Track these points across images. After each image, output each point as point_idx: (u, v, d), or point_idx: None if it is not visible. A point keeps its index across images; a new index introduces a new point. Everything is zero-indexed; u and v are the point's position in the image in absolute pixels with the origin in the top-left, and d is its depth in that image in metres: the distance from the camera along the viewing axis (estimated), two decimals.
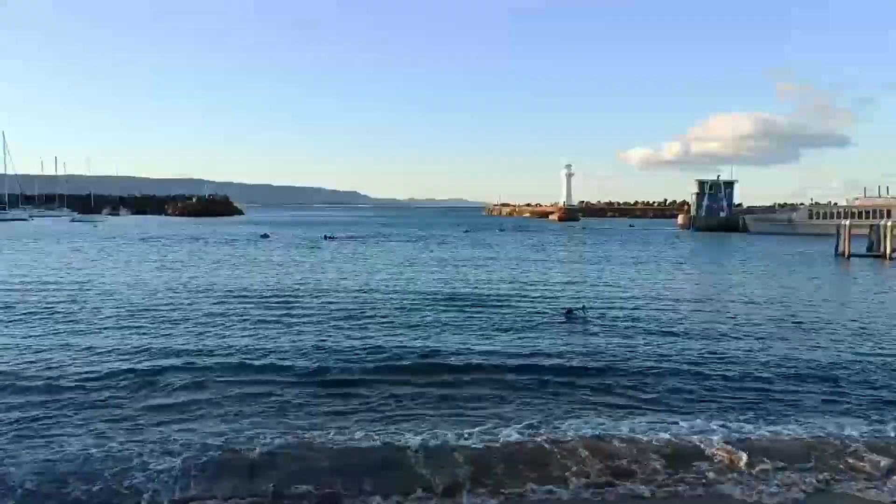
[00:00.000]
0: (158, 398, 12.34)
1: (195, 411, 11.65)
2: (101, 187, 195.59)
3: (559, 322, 20.04)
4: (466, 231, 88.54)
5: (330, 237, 68.47)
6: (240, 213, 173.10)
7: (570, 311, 21.13)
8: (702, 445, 10.33)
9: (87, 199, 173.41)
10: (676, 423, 11.39)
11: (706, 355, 16.16)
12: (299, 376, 13.80)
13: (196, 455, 9.64)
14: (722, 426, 11.25)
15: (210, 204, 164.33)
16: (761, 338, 18.28)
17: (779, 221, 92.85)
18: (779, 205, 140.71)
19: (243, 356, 15.42)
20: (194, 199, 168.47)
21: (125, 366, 14.52)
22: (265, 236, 72.47)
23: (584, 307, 21.38)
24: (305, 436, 10.46)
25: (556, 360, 15.36)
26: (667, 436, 10.70)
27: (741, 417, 11.79)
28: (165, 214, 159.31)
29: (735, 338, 18.33)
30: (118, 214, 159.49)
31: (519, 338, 17.87)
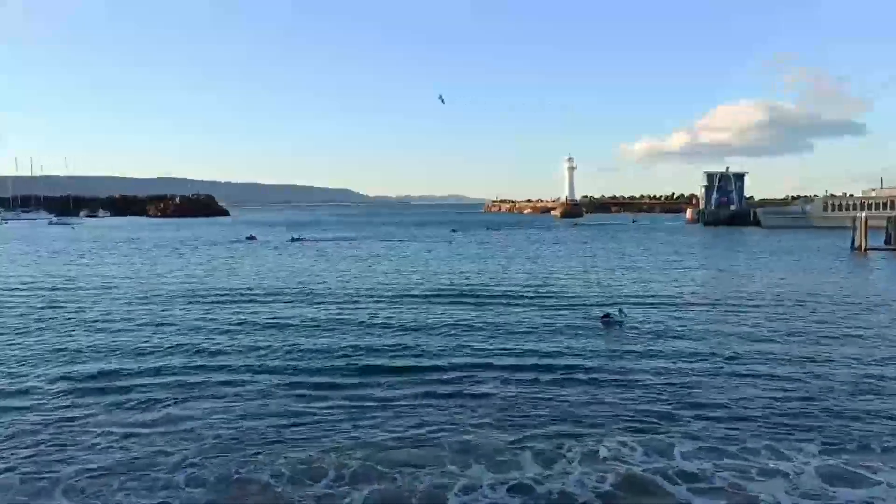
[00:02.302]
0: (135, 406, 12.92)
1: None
2: (80, 188, 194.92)
3: (595, 329, 19.96)
4: (454, 230, 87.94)
5: (297, 239, 67.69)
6: (225, 213, 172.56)
7: (607, 316, 20.80)
8: None
9: (66, 201, 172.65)
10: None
11: (769, 370, 15.45)
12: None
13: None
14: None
15: (194, 204, 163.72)
16: (818, 348, 17.60)
17: (792, 214, 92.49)
18: (792, 197, 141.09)
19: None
20: (177, 199, 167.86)
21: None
22: (251, 238, 71.92)
23: (621, 310, 21.08)
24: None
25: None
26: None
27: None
28: (147, 216, 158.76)
29: (784, 344, 17.89)
30: (97, 216, 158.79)
31: (556, 349, 17.58)
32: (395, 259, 45.29)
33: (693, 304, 25.01)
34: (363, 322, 21.17)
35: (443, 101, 73.20)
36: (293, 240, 67.58)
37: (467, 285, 30.27)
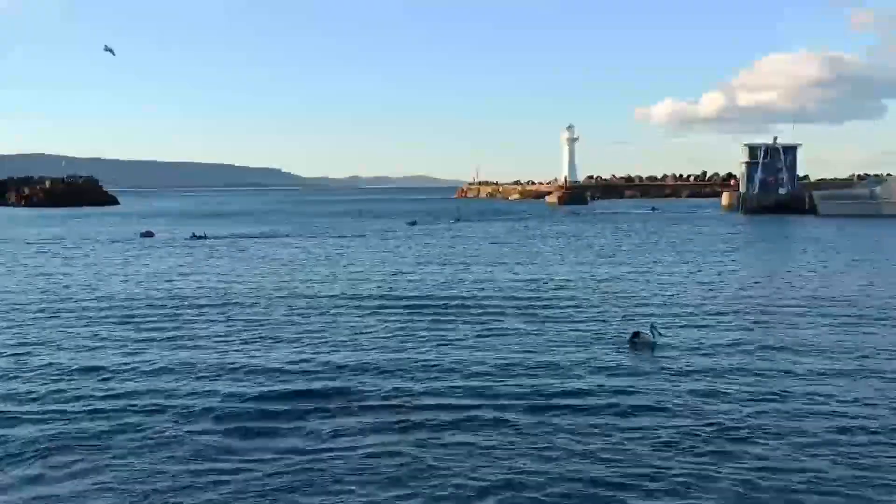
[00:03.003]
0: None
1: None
2: None
3: (623, 350, 20.62)
4: (412, 223, 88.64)
5: (199, 236, 67.76)
6: (114, 201, 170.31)
7: (637, 334, 21.49)
8: None
9: None
10: None
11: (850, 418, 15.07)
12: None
13: None
14: None
15: (71, 190, 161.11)
16: None
17: (858, 199, 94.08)
18: (858, 176, 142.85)
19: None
20: (47, 184, 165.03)
21: None
22: (147, 234, 71.58)
23: (653, 327, 21.69)
24: None
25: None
26: None
27: None
28: (7, 204, 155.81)
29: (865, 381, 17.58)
30: None
31: (566, 381, 17.72)
32: (326, 263, 45.33)
33: (737, 319, 25.25)
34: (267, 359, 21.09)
35: (111, 52, 72.78)
36: (194, 237, 67.72)
37: (430, 300, 30.22)
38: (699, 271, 39.30)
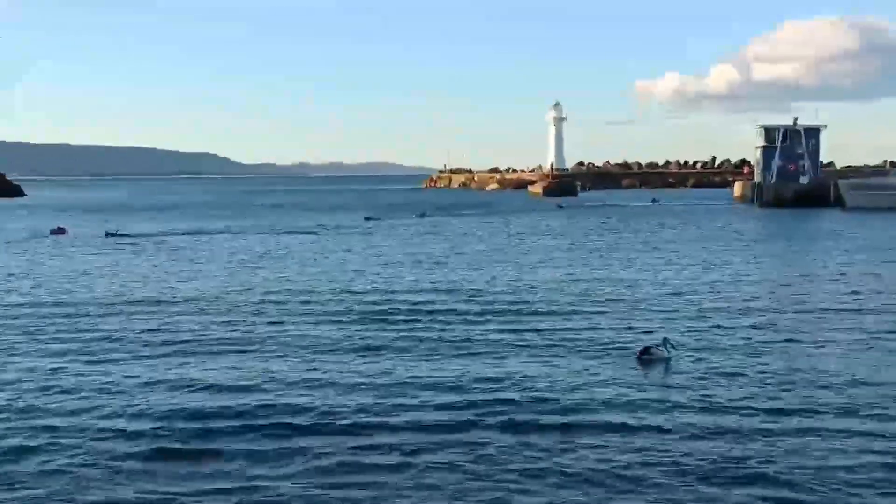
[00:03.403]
0: None
1: None
2: None
3: (629, 368, 20.72)
4: (369, 218, 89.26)
5: (112, 234, 68.07)
6: (17, 192, 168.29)
7: (646, 350, 21.64)
8: None
9: None
10: None
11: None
12: None
13: None
14: None
15: None
16: None
17: (890, 189, 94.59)
18: (891, 163, 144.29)
19: None
20: None
21: None
22: (59, 231, 71.27)
23: (666, 341, 21.86)
24: None
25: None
26: None
27: None
28: None
29: None
30: None
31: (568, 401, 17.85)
32: (269, 265, 45.73)
33: (758, 334, 25.35)
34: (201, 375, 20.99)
35: None
36: (108, 235, 67.89)
37: (390, 306, 30.46)
38: (708, 275, 39.53)
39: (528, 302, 31.41)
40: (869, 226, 69.71)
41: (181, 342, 24.19)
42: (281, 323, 27.22)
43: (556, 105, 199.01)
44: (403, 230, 74.29)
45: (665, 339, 21.97)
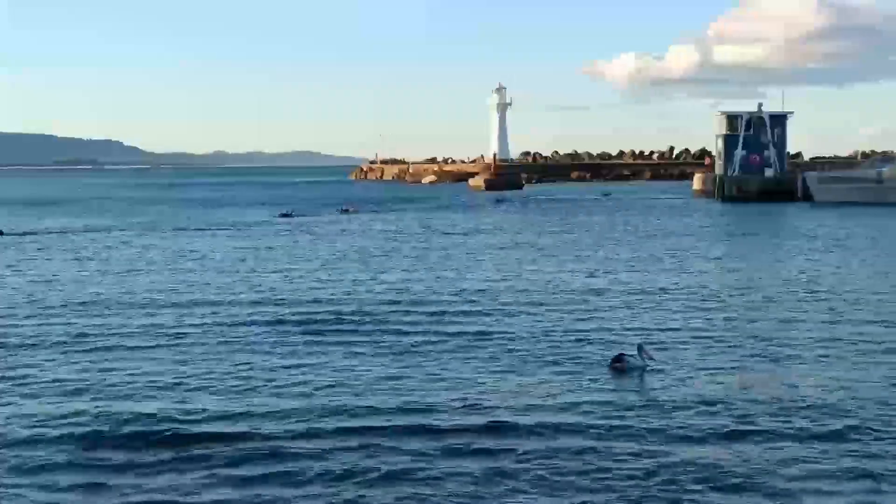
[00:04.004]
0: None
1: None
2: None
3: (602, 378, 21.18)
4: (285, 214, 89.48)
5: None
6: None
7: (620, 359, 22.06)
8: None
9: None
10: None
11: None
12: None
13: None
14: None
15: None
16: None
17: (860, 182, 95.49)
18: (863, 154, 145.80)
19: None
20: None
21: None
22: None
23: (641, 348, 22.26)
24: None
25: None
26: None
27: None
28: None
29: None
30: None
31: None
32: (172, 267, 45.49)
33: (722, 334, 26.27)
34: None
35: None
36: None
37: (308, 313, 30.55)
38: (668, 277, 39.61)
39: (462, 306, 31.63)
40: (837, 223, 70.41)
41: (67, 354, 24.06)
42: (174, 332, 27.11)
43: (500, 89, 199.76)
44: (320, 228, 73.66)
45: (639, 346, 22.31)
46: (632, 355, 21.90)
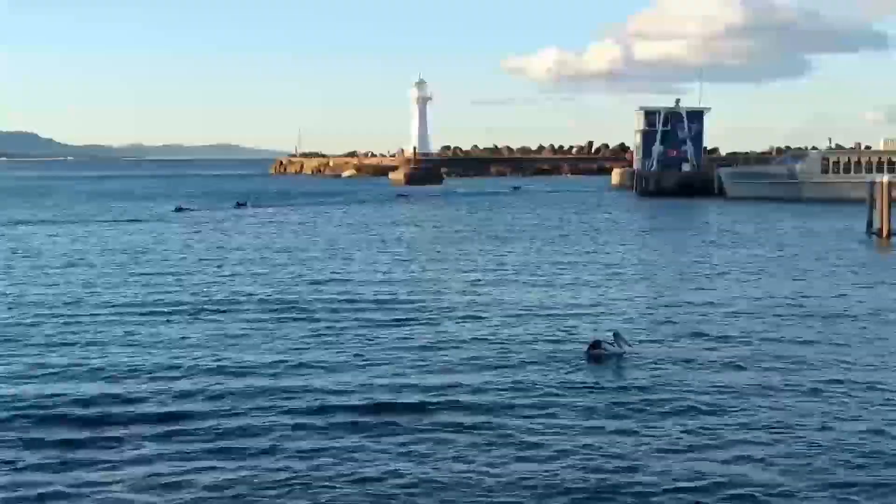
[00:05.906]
0: None
1: None
2: None
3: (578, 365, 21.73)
4: (180, 209, 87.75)
5: None
6: None
7: (595, 345, 22.60)
8: None
9: None
10: None
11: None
12: None
13: None
14: None
15: None
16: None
17: (773, 178, 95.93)
18: (777, 149, 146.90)
19: None
20: None
21: None
22: None
23: (617, 335, 22.77)
24: None
25: None
26: None
27: None
28: None
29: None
30: None
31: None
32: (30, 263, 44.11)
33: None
34: None
35: None
36: None
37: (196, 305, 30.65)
38: (564, 275, 39.16)
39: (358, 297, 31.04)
40: (746, 216, 71.03)
41: None
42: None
43: (420, 83, 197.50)
44: (215, 223, 71.55)
45: (615, 333, 22.90)
46: (608, 342, 22.48)
